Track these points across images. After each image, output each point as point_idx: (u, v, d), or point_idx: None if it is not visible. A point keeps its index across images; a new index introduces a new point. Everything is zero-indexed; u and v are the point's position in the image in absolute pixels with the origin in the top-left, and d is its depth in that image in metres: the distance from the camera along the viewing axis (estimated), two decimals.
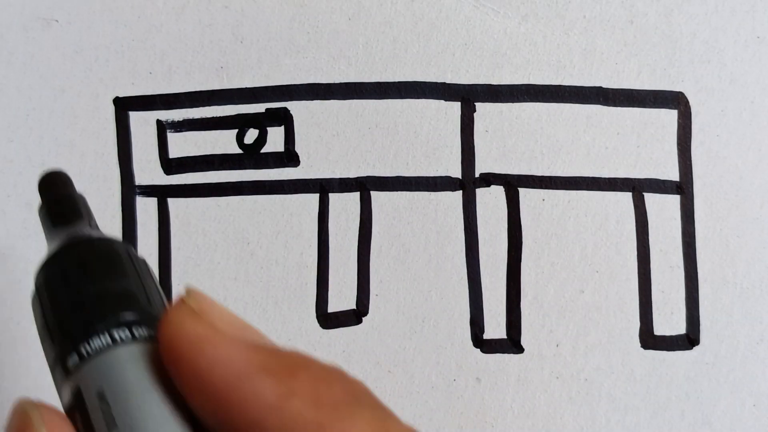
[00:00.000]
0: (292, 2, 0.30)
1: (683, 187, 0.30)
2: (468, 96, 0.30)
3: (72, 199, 0.21)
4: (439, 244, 0.30)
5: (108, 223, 0.30)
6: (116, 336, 0.18)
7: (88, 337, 0.18)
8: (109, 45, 0.30)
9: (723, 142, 0.30)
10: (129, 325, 0.18)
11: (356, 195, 0.30)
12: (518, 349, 0.30)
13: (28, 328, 0.30)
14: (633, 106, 0.30)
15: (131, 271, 0.19)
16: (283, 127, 0.30)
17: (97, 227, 0.21)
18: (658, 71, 0.30)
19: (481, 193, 0.30)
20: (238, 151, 0.31)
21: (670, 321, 0.30)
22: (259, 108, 0.30)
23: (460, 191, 0.30)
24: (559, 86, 0.30)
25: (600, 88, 0.30)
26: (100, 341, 0.18)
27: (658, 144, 0.30)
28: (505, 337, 0.30)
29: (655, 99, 0.30)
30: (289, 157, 0.30)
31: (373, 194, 0.30)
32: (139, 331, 0.18)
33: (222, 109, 0.30)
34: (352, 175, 0.30)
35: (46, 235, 0.21)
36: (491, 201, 0.30)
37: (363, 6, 0.30)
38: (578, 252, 0.30)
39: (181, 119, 0.30)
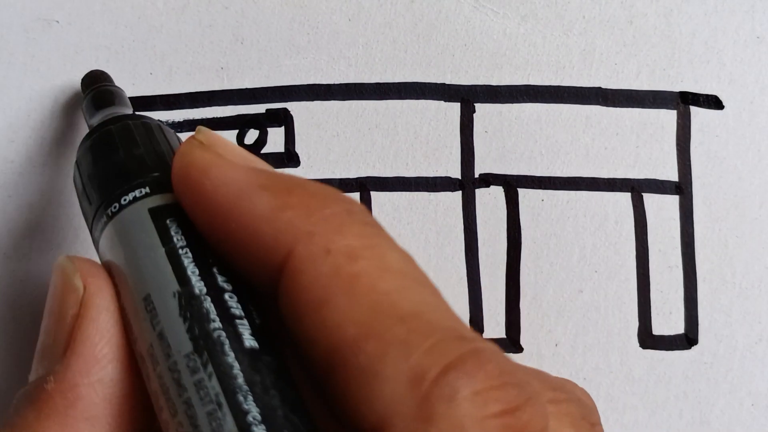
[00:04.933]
0: (292, 3, 0.30)
1: (682, 188, 0.30)
2: (467, 97, 0.30)
3: (108, 89, 0.27)
4: (438, 244, 0.30)
5: None
6: (143, 190, 0.20)
7: (114, 192, 0.21)
8: (109, 46, 0.30)
9: (722, 143, 0.30)
10: (153, 183, 0.21)
11: (356, 195, 0.30)
12: (517, 348, 0.30)
13: (29, 328, 0.30)
14: (632, 107, 0.30)
15: (162, 139, 0.23)
16: (283, 128, 0.30)
17: (132, 109, 0.26)
18: (657, 71, 0.30)
19: (480, 193, 0.30)
20: None
21: (668, 321, 0.30)
22: (260, 109, 0.30)
23: (460, 191, 0.30)
24: (559, 87, 0.30)
25: (599, 88, 0.30)
26: (126, 197, 0.20)
27: (657, 144, 0.30)
28: (504, 336, 0.30)
29: (654, 99, 0.30)
30: (289, 157, 0.30)
31: (373, 194, 0.30)
32: (142, 189, 0.20)
33: (222, 110, 0.30)
34: (352, 175, 0.30)
35: (87, 119, 0.26)
36: (490, 201, 0.30)
37: (363, 7, 0.30)
38: (577, 252, 0.30)
39: (181, 120, 0.31)
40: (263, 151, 0.31)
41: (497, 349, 0.17)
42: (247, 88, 0.30)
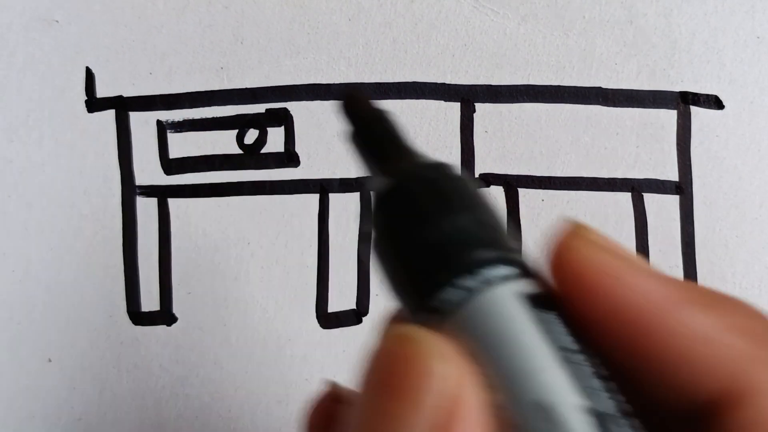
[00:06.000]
0: (292, 3, 0.30)
1: (682, 187, 0.30)
2: (467, 96, 0.30)
3: (391, 134, 0.19)
4: None
5: (108, 223, 0.30)
6: (491, 274, 0.16)
7: (454, 277, 0.16)
8: (109, 45, 0.30)
9: (722, 143, 0.30)
10: (499, 261, 0.16)
11: (356, 195, 0.30)
12: None
13: (28, 328, 0.30)
14: (632, 107, 0.30)
15: (482, 201, 0.18)
16: (283, 128, 0.30)
17: (415, 150, 0.19)
18: (657, 72, 0.30)
19: None
20: (239, 151, 0.31)
21: None
22: (260, 108, 0.30)
23: None
24: (559, 87, 0.30)
25: (599, 88, 0.30)
26: (472, 281, 0.16)
27: (657, 144, 0.30)
28: None
29: (654, 99, 0.30)
30: (289, 157, 0.30)
31: (373, 194, 0.30)
32: (509, 267, 0.16)
33: (222, 110, 0.30)
34: (353, 175, 0.30)
35: (366, 166, 0.19)
36: None
37: (363, 7, 0.30)
38: None
39: (181, 119, 0.31)
40: (263, 150, 0.30)
41: None
42: (247, 88, 0.30)
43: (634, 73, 0.30)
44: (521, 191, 0.30)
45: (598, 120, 0.30)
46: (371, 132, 0.19)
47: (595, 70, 0.30)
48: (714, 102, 0.30)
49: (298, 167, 0.30)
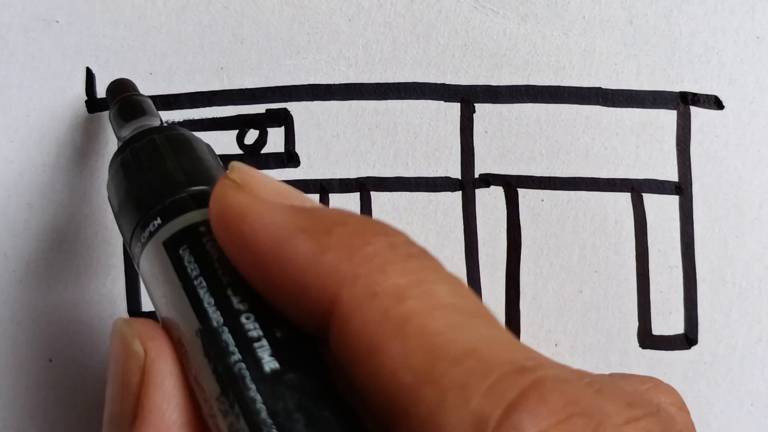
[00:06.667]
0: (292, 3, 0.30)
1: (682, 188, 0.30)
2: (467, 97, 0.30)
3: (137, 98, 0.26)
4: (438, 245, 0.30)
5: (108, 223, 0.30)
6: (155, 223, 0.19)
7: (154, 208, 0.19)
8: (109, 46, 0.30)
9: (722, 143, 0.30)
10: (165, 211, 0.19)
11: (356, 195, 0.30)
12: None
13: (29, 328, 0.30)
14: (632, 107, 0.30)
15: (197, 153, 0.22)
16: (283, 128, 0.30)
17: (162, 121, 0.24)
18: (657, 72, 0.30)
19: (480, 193, 0.30)
20: (239, 151, 0.31)
21: (668, 321, 0.30)
22: (260, 109, 0.30)
23: (460, 192, 0.30)
24: (559, 87, 0.30)
25: (599, 88, 0.30)
26: (143, 234, 0.19)
27: (657, 144, 0.30)
28: None
29: (654, 99, 0.30)
30: (289, 157, 0.30)
31: (373, 195, 0.30)
32: (159, 219, 0.19)
33: (222, 110, 0.30)
34: (353, 175, 0.30)
35: (116, 131, 0.25)
36: (490, 201, 0.30)
37: (363, 7, 0.30)
38: (577, 252, 0.30)
39: (181, 120, 0.31)
40: (263, 151, 0.31)
41: (561, 374, 0.16)
42: (247, 88, 0.30)
43: (634, 73, 0.30)
44: (521, 191, 0.30)
45: (598, 120, 0.30)
46: (126, 105, 0.25)
47: (595, 70, 0.30)
48: (714, 102, 0.30)
49: (298, 167, 0.30)
